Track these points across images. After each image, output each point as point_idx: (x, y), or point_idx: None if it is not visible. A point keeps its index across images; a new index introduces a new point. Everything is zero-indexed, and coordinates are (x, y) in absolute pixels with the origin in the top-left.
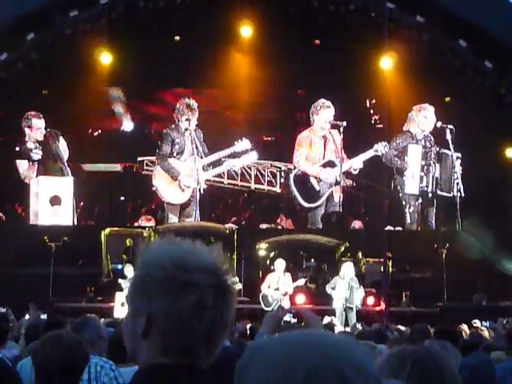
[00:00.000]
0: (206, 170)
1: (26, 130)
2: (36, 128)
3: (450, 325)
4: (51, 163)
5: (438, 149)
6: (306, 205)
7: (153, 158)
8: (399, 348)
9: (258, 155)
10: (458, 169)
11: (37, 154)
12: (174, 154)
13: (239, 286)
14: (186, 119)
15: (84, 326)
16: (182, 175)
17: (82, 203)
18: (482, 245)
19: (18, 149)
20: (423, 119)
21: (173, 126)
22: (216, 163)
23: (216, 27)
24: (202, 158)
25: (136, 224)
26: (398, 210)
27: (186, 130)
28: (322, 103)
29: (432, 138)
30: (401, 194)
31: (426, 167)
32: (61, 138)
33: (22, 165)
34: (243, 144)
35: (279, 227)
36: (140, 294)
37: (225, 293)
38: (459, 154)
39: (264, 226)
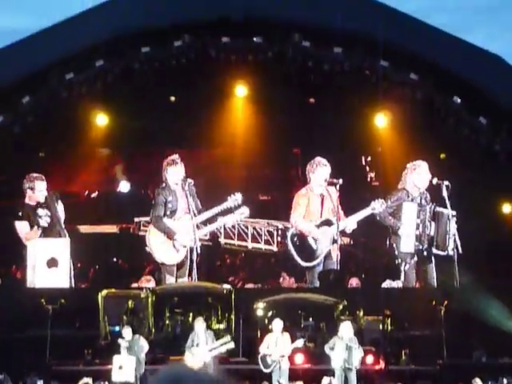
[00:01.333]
0: (200, 227)
1: (28, 192)
2: (38, 190)
3: None
4: (51, 226)
5: (433, 207)
6: (303, 264)
7: (149, 219)
8: None
9: (249, 211)
10: (453, 226)
11: (45, 221)
12: (168, 213)
13: (232, 345)
14: (172, 175)
15: None
16: (178, 234)
17: (78, 265)
18: (479, 302)
19: (20, 213)
20: (417, 176)
21: (163, 185)
22: (210, 220)
23: (211, 87)
24: (195, 215)
25: (136, 285)
26: (394, 267)
27: (177, 184)
28: (318, 161)
29: (428, 196)
30: (396, 252)
31: (421, 225)
32: (59, 201)
33: (21, 226)
34: (235, 199)
35: (283, 285)
36: None
37: None
38: (454, 212)
39: (260, 285)
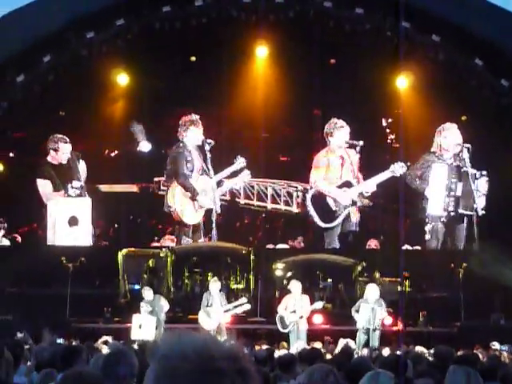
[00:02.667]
0: (216, 188)
1: (52, 153)
2: (62, 152)
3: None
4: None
5: (461, 166)
6: (322, 225)
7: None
8: None
9: (250, 175)
10: (482, 186)
11: (73, 192)
12: (187, 173)
13: (248, 306)
14: (192, 135)
15: (121, 361)
16: (200, 195)
17: (99, 223)
18: (499, 264)
19: (42, 172)
20: (447, 139)
21: (180, 144)
22: (219, 183)
23: (232, 47)
24: (211, 177)
25: (158, 244)
26: (417, 229)
27: (195, 145)
28: (335, 124)
29: (458, 157)
30: (426, 214)
31: (449, 187)
32: (81, 161)
33: (43, 185)
34: (239, 162)
35: (297, 246)
36: None
37: (249, 377)
38: (484, 172)
39: (281, 245)
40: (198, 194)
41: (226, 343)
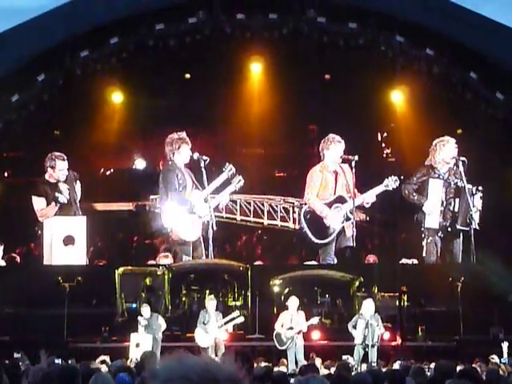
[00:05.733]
0: (207, 201)
1: (49, 170)
2: (59, 169)
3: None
4: (68, 204)
5: (458, 182)
6: (316, 241)
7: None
8: None
9: (243, 180)
10: (477, 202)
11: (64, 197)
12: (180, 189)
13: (241, 319)
14: (182, 153)
15: None
16: (196, 207)
17: (95, 242)
18: (497, 277)
19: (39, 189)
20: (444, 152)
21: (169, 162)
22: (214, 193)
23: (226, 64)
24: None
25: (153, 262)
26: (414, 243)
27: (185, 162)
28: (333, 138)
29: (453, 171)
30: (422, 228)
31: (445, 201)
32: (78, 181)
33: (39, 203)
34: (230, 168)
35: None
36: None
37: None
38: (480, 188)
39: (278, 262)
40: (194, 206)
41: (226, 365)
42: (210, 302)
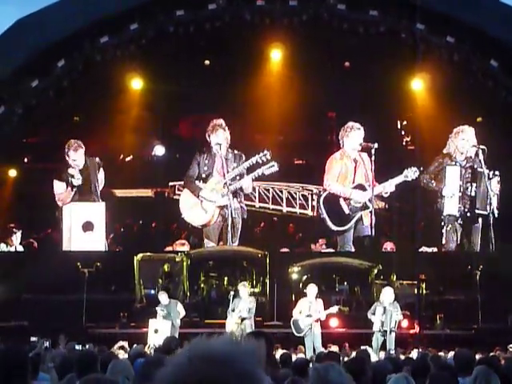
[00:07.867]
0: (229, 184)
1: (67, 157)
2: (76, 157)
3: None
4: (87, 191)
5: (475, 167)
6: (334, 228)
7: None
8: None
9: (277, 167)
10: (494, 186)
11: (78, 180)
12: (203, 176)
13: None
14: (215, 139)
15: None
16: (204, 190)
17: (117, 229)
18: None
19: (60, 174)
20: (462, 141)
21: (204, 148)
22: (240, 176)
23: (246, 51)
24: (224, 178)
25: (170, 248)
26: (434, 230)
27: (217, 149)
28: (352, 126)
29: (471, 159)
30: (442, 216)
31: (463, 187)
32: (101, 169)
33: (59, 187)
34: (264, 154)
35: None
36: None
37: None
38: (497, 172)
39: (296, 249)
40: (201, 189)
41: (248, 344)
42: (244, 288)
